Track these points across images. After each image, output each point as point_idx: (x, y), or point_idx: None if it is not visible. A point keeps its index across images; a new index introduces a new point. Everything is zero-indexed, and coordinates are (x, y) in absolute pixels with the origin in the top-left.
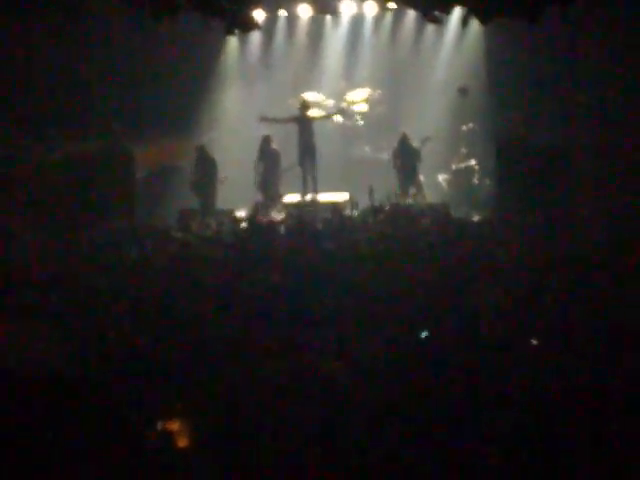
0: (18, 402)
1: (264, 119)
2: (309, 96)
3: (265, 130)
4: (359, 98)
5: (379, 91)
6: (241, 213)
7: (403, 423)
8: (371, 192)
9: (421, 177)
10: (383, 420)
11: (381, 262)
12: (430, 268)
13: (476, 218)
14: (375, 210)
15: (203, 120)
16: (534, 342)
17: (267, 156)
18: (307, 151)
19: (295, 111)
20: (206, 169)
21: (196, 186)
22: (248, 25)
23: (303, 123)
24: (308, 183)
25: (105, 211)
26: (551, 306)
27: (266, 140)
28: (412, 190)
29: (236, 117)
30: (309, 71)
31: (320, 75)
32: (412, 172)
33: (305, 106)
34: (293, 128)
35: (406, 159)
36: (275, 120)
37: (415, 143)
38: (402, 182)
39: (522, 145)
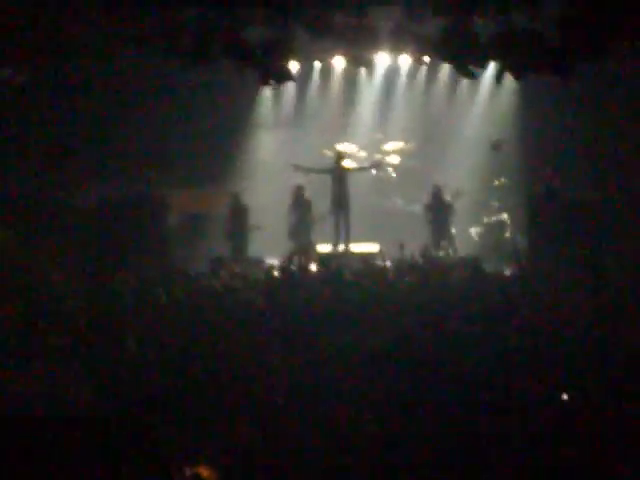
0: (49, 444)
1: (298, 168)
2: (343, 147)
3: (298, 179)
4: (392, 150)
5: (412, 143)
6: (273, 261)
7: None
8: (401, 247)
9: (453, 230)
10: None
11: (414, 313)
12: (462, 320)
13: (508, 272)
14: (411, 266)
15: (236, 168)
16: (564, 397)
17: (300, 205)
18: (340, 201)
19: (329, 162)
20: (239, 217)
21: (229, 233)
22: (282, 76)
23: (337, 174)
24: (340, 233)
25: (137, 256)
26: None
27: (299, 189)
28: (444, 243)
29: (269, 166)
30: (343, 122)
31: (354, 126)
32: (444, 225)
33: (340, 157)
34: (327, 178)
35: (439, 212)
36: (309, 170)
37: (447, 196)
38: (434, 235)
39: (555, 199)
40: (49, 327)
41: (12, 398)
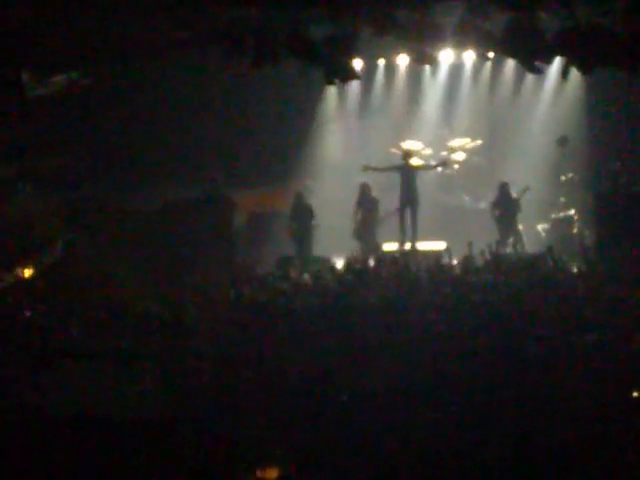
0: (120, 445)
1: (367, 168)
2: (409, 144)
3: (364, 177)
4: (458, 147)
5: (478, 140)
6: (339, 261)
7: None
8: (470, 245)
9: (520, 227)
10: None
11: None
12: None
13: (575, 269)
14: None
15: (301, 167)
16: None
17: (365, 204)
18: (408, 199)
19: (397, 160)
20: (303, 216)
21: (294, 233)
22: (347, 74)
23: (405, 172)
24: (407, 231)
25: (205, 258)
26: None
27: (365, 187)
28: (511, 240)
29: (335, 164)
30: (408, 119)
31: (419, 123)
32: (511, 222)
33: (407, 155)
34: (394, 176)
35: (505, 209)
36: (378, 169)
37: (514, 193)
38: (501, 232)
39: (623, 195)
40: (123, 330)
41: (85, 399)
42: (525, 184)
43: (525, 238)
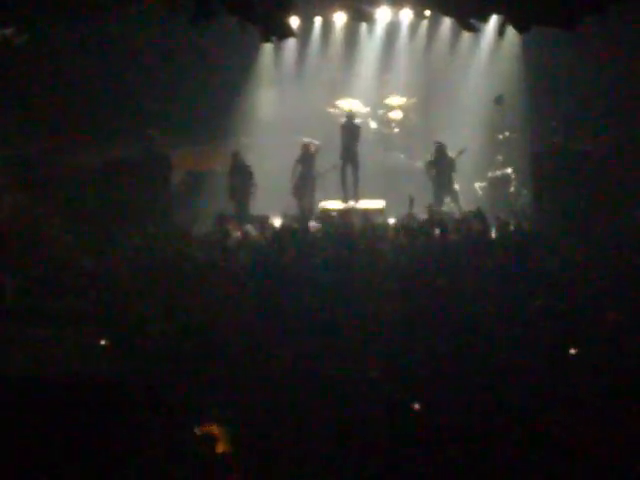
0: (63, 406)
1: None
2: (347, 103)
3: (302, 136)
4: (395, 105)
5: (414, 99)
6: (277, 220)
7: None
8: (411, 202)
9: (456, 186)
10: None
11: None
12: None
13: (512, 227)
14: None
15: (237, 125)
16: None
17: (305, 162)
18: (349, 157)
19: (332, 118)
20: (241, 174)
21: (232, 192)
22: (284, 32)
23: (349, 132)
24: (349, 189)
25: (142, 214)
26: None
27: (306, 147)
28: (447, 199)
29: (271, 122)
30: (344, 77)
31: (355, 81)
32: (448, 181)
33: (352, 115)
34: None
35: (441, 168)
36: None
37: (450, 153)
38: (437, 191)
39: (559, 152)
40: (61, 289)
41: (25, 361)
42: (462, 146)
43: (462, 197)
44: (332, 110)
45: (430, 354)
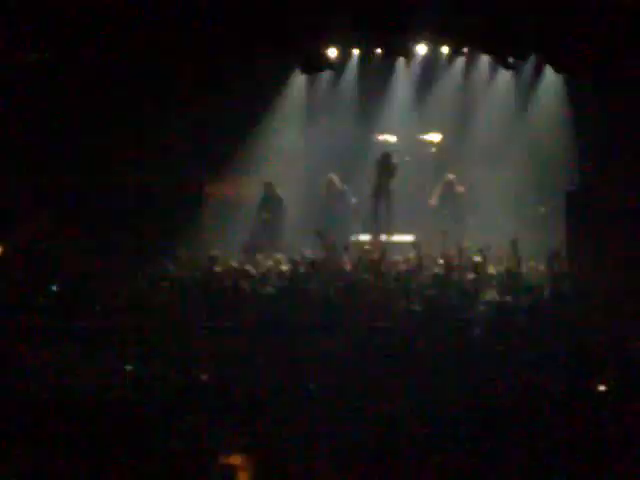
0: (83, 427)
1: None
2: (382, 138)
3: (329, 170)
4: (429, 141)
5: (449, 135)
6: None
7: None
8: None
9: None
10: None
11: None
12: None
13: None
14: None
15: (266, 157)
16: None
17: (332, 197)
18: (383, 192)
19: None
20: (273, 205)
21: (264, 222)
22: (323, 64)
23: (384, 169)
24: (380, 224)
25: (174, 240)
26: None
27: (330, 181)
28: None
29: (303, 154)
30: (379, 111)
31: (390, 116)
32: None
33: (388, 154)
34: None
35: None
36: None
37: (460, 187)
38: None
39: (593, 195)
40: (88, 312)
41: (48, 383)
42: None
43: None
44: (369, 144)
45: None
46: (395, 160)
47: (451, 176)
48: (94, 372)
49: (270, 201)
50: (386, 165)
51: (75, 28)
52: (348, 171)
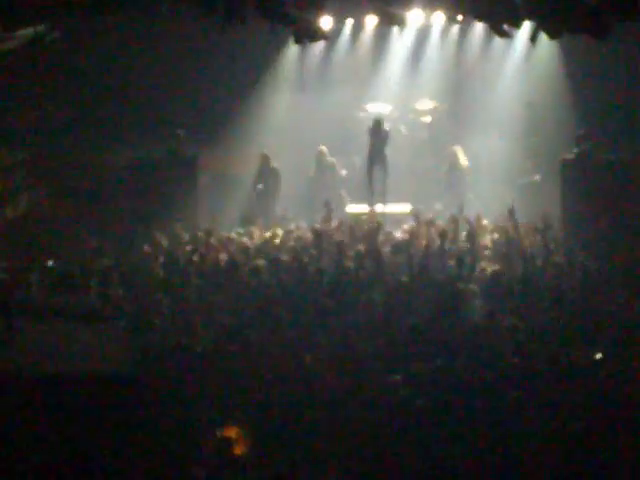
0: (81, 401)
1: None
2: (377, 108)
3: (320, 143)
4: (425, 109)
5: (444, 103)
6: (301, 224)
7: None
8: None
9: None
10: None
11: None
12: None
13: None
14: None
15: (262, 128)
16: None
17: (322, 168)
18: (378, 161)
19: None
20: (269, 178)
21: (259, 194)
22: (316, 34)
23: (377, 137)
24: (375, 193)
25: (167, 215)
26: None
27: (320, 153)
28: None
29: (295, 126)
30: (373, 81)
31: (384, 85)
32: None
33: (379, 121)
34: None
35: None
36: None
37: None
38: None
39: (586, 160)
40: (82, 287)
41: (43, 357)
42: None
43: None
44: (362, 114)
45: None
46: (387, 127)
47: (456, 148)
48: (89, 348)
49: (265, 173)
50: (378, 132)
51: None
52: (340, 142)
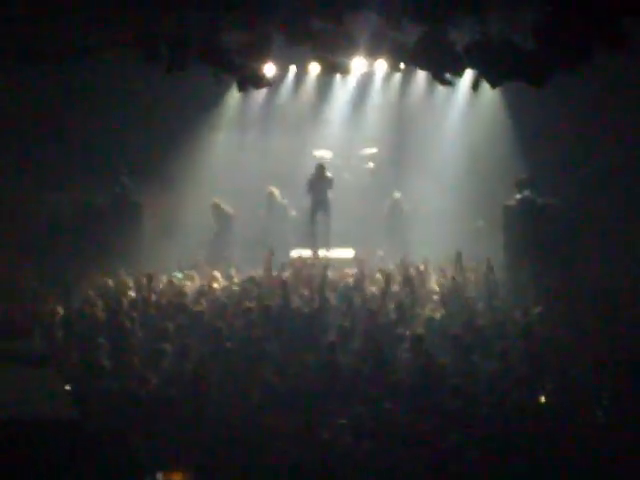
0: (22, 446)
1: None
2: (320, 153)
3: (269, 185)
4: (368, 155)
5: (387, 150)
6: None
7: None
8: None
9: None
10: None
11: None
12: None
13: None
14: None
15: (210, 171)
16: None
17: (273, 211)
18: (320, 207)
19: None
20: (222, 224)
21: (214, 241)
22: (260, 81)
23: (320, 183)
24: (318, 238)
25: (112, 259)
26: None
27: (271, 195)
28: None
29: (243, 168)
30: (316, 126)
31: (327, 131)
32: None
33: (322, 168)
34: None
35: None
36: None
37: (405, 206)
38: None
39: (527, 206)
40: (24, 331)
41: None
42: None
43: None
44: (307, 159)
45: None
46: (329, 173)
47: (397, 194)
48: (33, 393)
49: (218, 219)
50: (321, 177)
51: None
52: (289, 183)
